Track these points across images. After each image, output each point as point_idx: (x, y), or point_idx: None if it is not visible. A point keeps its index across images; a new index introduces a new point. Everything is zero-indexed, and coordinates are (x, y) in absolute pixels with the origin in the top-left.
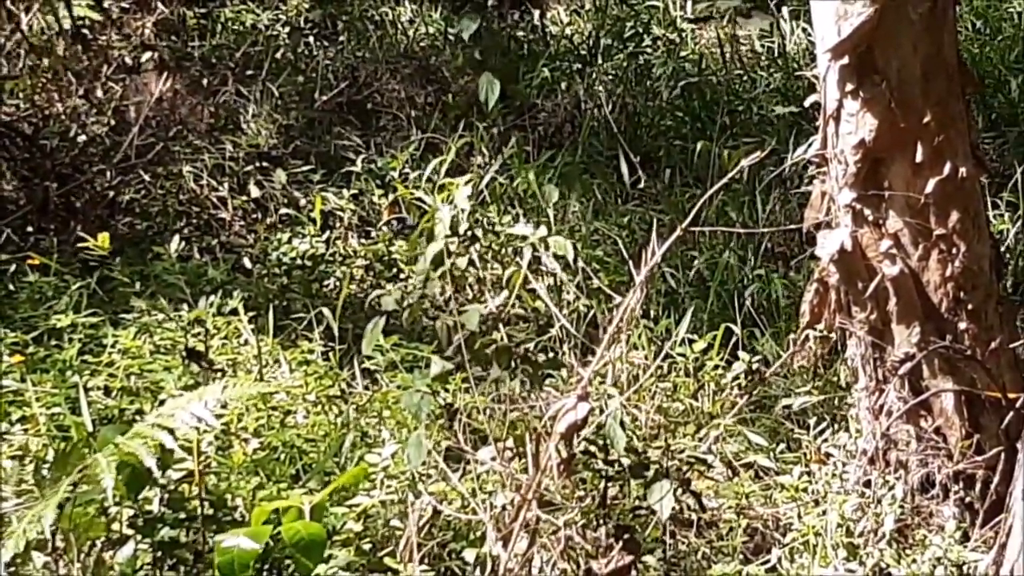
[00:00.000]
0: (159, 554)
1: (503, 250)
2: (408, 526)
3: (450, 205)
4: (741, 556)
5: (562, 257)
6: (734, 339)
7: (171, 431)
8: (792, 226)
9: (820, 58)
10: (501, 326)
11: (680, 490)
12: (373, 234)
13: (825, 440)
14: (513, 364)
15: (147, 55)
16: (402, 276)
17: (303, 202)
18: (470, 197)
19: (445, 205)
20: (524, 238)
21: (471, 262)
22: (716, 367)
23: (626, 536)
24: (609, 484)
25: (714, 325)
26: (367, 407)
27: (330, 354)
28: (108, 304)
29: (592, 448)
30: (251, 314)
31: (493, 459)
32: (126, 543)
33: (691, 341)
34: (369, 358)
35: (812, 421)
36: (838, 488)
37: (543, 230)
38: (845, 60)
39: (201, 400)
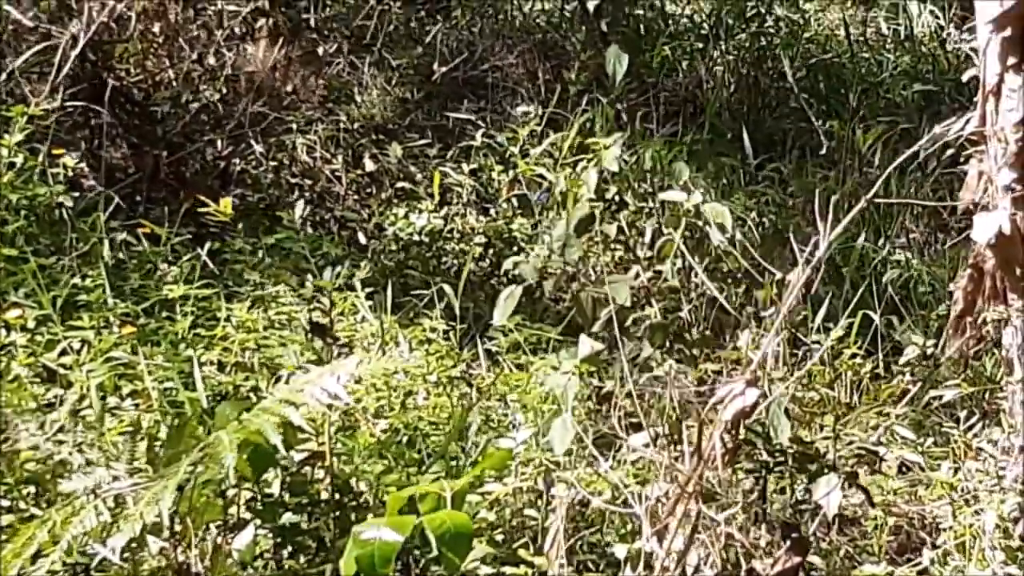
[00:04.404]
0: (279, 540)
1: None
2: (554, 517)
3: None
4: (886, 556)
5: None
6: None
7: (297, 408)
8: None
9: (980, 30)
10: (654, 301)
11: (847, 485)
12: (492, 211)
13: (975, 435)
14: (667, 343)
15: (260, 22)
16: (523, 255)
17: (419, 177)
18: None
19: (592, 168)
20: (679, 205)
21: (620, 229)
22: (853, 356)
23: (794, 535)
24: (768, 477)
25: (850, 312)
26: (490, 389)
27: (450, 333)
28: (219, 277)
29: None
30: (367, 290)
31: (646, 446)
32: (245, 528)
33: (827, 329)
34: (491, 338)
35: (962, 415)
36: (992, 485)
37: (698, 196)
38: (1008, 32)
39: (333, 375)
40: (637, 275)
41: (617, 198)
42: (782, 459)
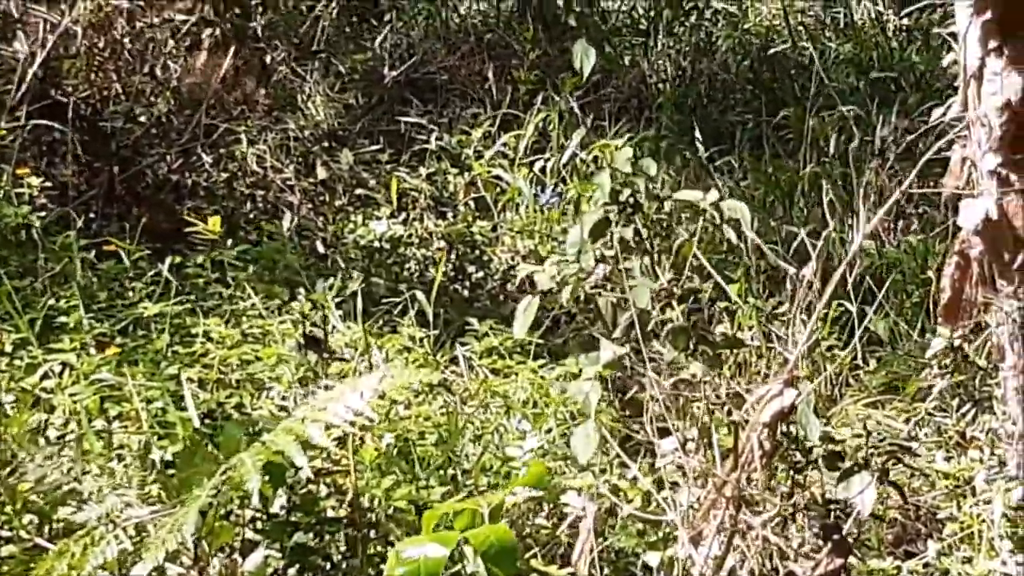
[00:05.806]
0: (288, 560)
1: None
2: (583, 527)
3: (608, 170)
4: (886, 549)
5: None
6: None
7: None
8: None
9: (960, 14)
10: (675, 303)
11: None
12: (449, 214)
13: (968, 424)
14: (691, 346)
15: (206, 32)
16: (485, 258)
17: (373, 183)
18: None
19: (604, 170)
20: (691, 205)
21: (636, 232)
22: (830, 348)
23: (835, 537)
24: (798, 477)
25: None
26: (471, 396)
27: (424, 340)
28: (182, 292)
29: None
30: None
31: (675, 451)
32: (254, 549)
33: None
34: (463, 344)
35: (954, 403)
36: (994, 473)
37: (714, 194)
38: (988, 15)
39: (356, 391)
40: (657, 277)
41: (632, 200)
42: (813, 459)
